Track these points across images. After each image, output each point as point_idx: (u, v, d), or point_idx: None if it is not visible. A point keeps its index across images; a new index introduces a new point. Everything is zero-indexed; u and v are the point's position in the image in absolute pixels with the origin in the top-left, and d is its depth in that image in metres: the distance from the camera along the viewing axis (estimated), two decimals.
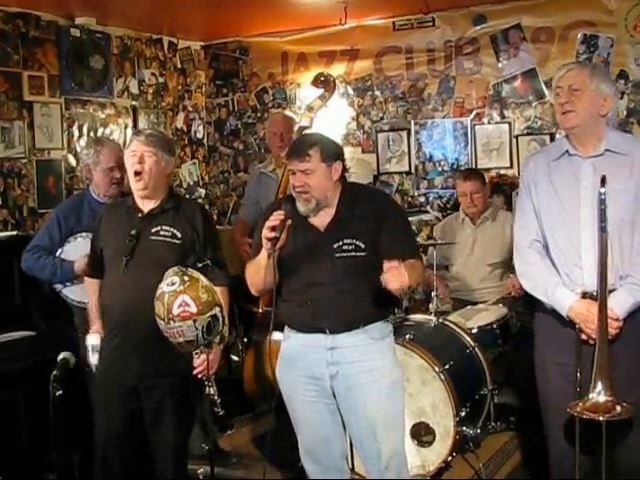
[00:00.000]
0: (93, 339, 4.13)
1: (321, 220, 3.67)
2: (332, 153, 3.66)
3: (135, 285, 3.90)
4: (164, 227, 3.99)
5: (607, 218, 3.45)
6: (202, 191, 8.26)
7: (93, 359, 4.11)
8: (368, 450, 3.70)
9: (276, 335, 3.85)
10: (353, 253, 3.59)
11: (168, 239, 3.98)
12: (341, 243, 3.60)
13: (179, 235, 3.99)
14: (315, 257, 3.60)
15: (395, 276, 3.32)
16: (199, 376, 3.78)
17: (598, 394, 3.36)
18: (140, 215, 4.03)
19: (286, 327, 3.79)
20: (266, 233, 3.46)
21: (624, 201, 3.53)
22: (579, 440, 3.51)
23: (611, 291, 3.51)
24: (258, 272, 3.64)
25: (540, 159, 3.80)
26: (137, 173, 3.96)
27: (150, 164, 3.96)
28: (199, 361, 3.76)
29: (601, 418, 3.32)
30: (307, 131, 5.49)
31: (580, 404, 3.38)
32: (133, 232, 3.97)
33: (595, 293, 3.52)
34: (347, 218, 3.62)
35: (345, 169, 3.73)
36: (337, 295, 3.57)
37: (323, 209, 3.64)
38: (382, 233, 3.61)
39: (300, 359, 3.70)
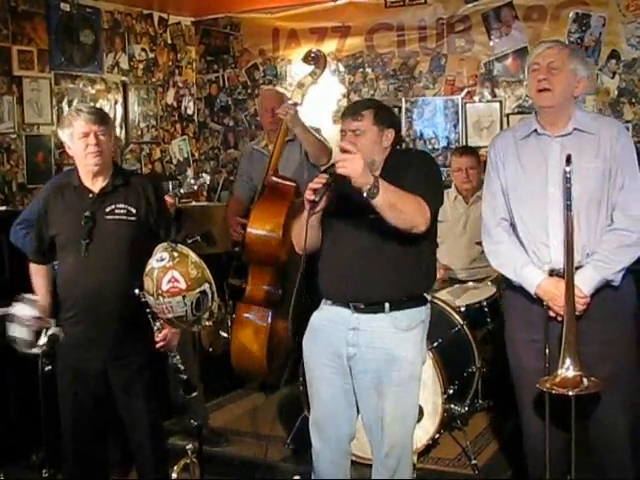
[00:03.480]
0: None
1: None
2: (386, 119, 3.63)
3: (98, 268, 3.84)
4: (118, 205, 3.90)
5: (572, 197, 3.47)
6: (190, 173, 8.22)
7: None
8: (373, 434, 3.70)
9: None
10: None
11: (124, 217, 3.89)
12: None
13: (134, 211, 3.91)
14: (352, 221, 3.57)
15: (346, 159, 3.28)
16: (162, 350, 3.82)
17: (567, 369, 3.38)
18: (91, 196, 3.92)
19: (323, 298, 3.78)
20: (307, 195, 3.42)
21: (592, 179, 3.56)
22: (551, 416, 3.56)
23: (578, 268, 3.54)
24: (301, 230, 3.58)
25: (508, 137, 3.81)
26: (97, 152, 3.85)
27: (105, 141, 3.87)
28: (161, 336, 3.80)
29: (570, 393, 3.35)
30: (298, 108, 5.48)
31: (549, 380, 3.42)
32: (87, 213, 3.85)
33: (562, 270, 3.55)
34: (388, 181, 3.51)
35: (400, 139, 3.73)
36: (363, 264, 3.54)
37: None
38: (404, 179, 3.51)
39: (324, 333, 3.69)
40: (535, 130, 3.69)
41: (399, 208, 3.35)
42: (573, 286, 3.47)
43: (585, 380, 3.36)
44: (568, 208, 3.47)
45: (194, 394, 3.95)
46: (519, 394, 3.84)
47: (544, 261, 3.64)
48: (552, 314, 3.60)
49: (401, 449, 3.68)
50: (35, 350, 3.84)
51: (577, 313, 3.48)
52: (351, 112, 3.63)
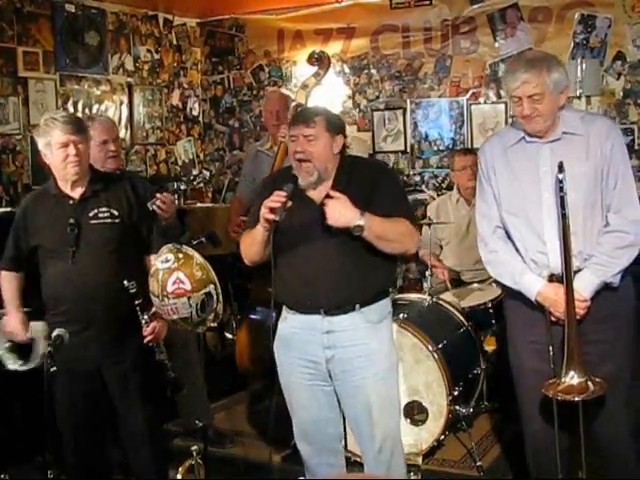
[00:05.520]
0: None
1: (319, 194, 3.60)
2: (336, 125, 3.64)
3: (86, 272, 3.86)
4: (101, 209, 3.91)
5: (567, 204, 3.41)
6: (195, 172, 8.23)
7: None
8: (363, 432, 3.71)
9: None
10: None
11: (108, 220, 3.91)
12: None
13: (117, 213, 3.93)
14: (312, 231, 3.55)
15: (334, 206, 3.39)
16: (149, 344, 3.86)
17: (571, 378, 3.39)
18: (72, 202, 3.92)
19: (284, 307, 3.75)
20: (265, 214, 3.41)
21: (585, 183, 3.51)
22: (552, 418, 3.54)
23: (576, 272, 3.52)
24: (253, 245, 3.60)
25: (496, 145, 3.74)
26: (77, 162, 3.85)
27: (82, 150, 3.85)
28: (149, 329, 3.83)
29: (576, 398, 3.36)
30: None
31: (554, 386, 3.41)
32: (72, 221, 3.87)
33: (562, 275, 3.51)
34: (344, 189, 3.54)
35: (345, 145, 3.72)
36: (331, 272, 3.53)
37: (322, 183, 3.59)
38: (375, 196, 3.56)
39: (296, 341, 3.67)
40: (523, 137, 3.62)
41: (388, 238, 3.51)
42: (573, 295, 3.45)
43: (591, 385, 3.36)
44: (564, 217, 3.43)
45: (183, 392, 3.97)
46: (520, 395, 3.83)
47: (543, 267, 3.61)
48: (553, 319, 3.59)
49: (393, 441, 3.71)
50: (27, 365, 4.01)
51: (577, 317, 3.48)
52: (303, 119, 3.61)
